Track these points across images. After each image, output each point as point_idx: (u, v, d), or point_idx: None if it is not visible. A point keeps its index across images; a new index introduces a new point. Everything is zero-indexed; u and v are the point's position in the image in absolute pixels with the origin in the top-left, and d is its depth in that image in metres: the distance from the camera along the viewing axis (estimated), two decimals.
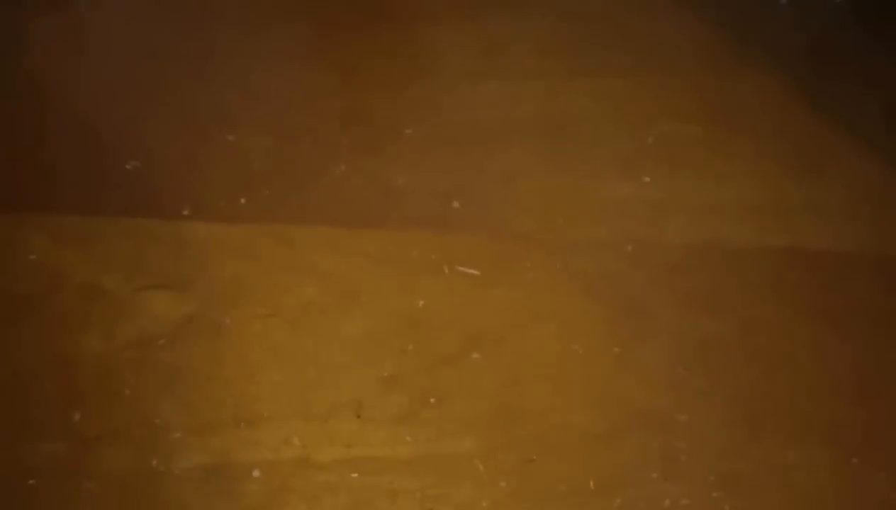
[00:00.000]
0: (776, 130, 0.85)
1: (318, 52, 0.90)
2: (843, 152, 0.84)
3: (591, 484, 0.66)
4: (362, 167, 0.81)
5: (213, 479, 0.66)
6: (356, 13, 0.93)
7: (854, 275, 0.76)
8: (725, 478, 0.66)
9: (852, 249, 0.78)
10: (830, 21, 0.93)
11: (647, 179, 0.81)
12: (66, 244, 0.75)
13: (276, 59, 0.88)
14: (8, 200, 0.78)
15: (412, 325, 0.73)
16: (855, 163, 0.83)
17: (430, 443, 0.68)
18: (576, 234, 0.78)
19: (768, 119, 0.86)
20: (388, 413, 0.69)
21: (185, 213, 0.77)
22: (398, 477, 0.66)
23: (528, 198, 0.80)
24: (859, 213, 0.80)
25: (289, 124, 0.83)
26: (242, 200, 0.78)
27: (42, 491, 0.65)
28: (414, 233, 0.77)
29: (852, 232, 0.79)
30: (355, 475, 0.66)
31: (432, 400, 0.70)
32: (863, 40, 0.92)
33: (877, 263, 0.77)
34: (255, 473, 0.66)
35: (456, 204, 0.79)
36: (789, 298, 0.75)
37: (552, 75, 0.89)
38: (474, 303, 0.74)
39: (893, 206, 0.80)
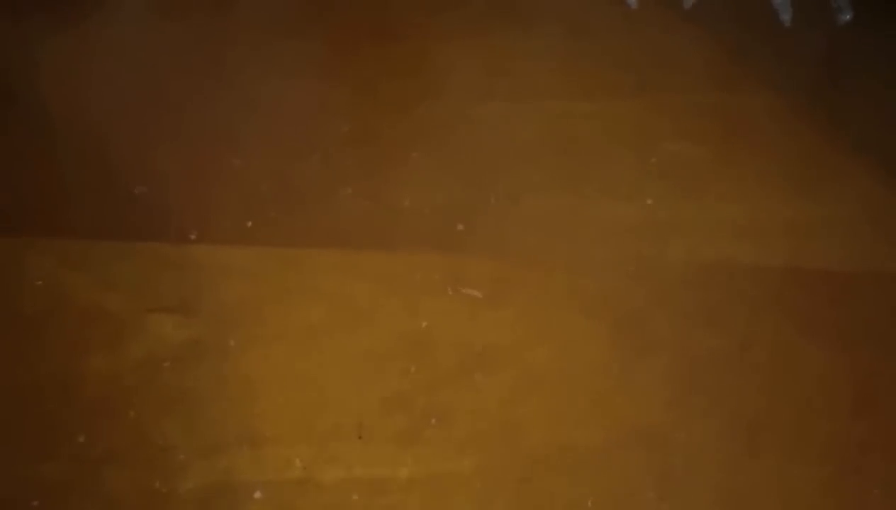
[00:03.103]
0: (782, 149, 0.86)
1: (326, 73, 0.91)
2: (849, 170, 0.84)
3: (589, 502, 0.66)
4: (369, 189, 0.82)
5: (215, 500, 0.66)
6: (366, 33, 0.94)
7: (857, 293, 0.76)
8: (723, 495, 0.67)
9: (855, 268, 0.78)
10: (836, 40, 0.94)
11: (649, 201, 0.81)
12: (72, 267, 0.76)
13: (285, 80, 0.89)
14: (13, 224, 0.79)
15: (415, 346, 0.73)
16: (862, 180, 0.83)
17: (431, 463, 0.68)
18: (577, 254, 0.78)
19: (774, 138, 0.87)
20: (390, 433, 0.70)
21: (192, 237, 0.78)
22: (399, 497, 0.67)
23: (531, 219, 0.80)
24: (864, 230, 0.80)
25: (296, 146, 0.84)
26: (249, 223, 0.79)
27: None
28: (419, 255, 0.78)
29: (857, 250, 0.79)
30: (356, 496, 0.67)
31: (433, 420, 0.70)
32: (869, 57, 0.92)
33: (880, 281, 0.77)
34: (258, 495, 0.67)
35: (460, 226, 0.79)
36: (790, 316, 0.75)
37: (559, 95, 0.89)
38: (477, 324, 0.75)
39: None
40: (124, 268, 0.77)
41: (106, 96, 0.88)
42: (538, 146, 0.85)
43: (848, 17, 0.95)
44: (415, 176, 0.83)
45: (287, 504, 0.66)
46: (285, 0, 0.95)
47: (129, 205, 0.80)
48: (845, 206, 0.82)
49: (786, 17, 0.96)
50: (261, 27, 0.93)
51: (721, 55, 0.93)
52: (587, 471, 0.68)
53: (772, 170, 0.84)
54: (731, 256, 0.79)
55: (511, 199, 0.81)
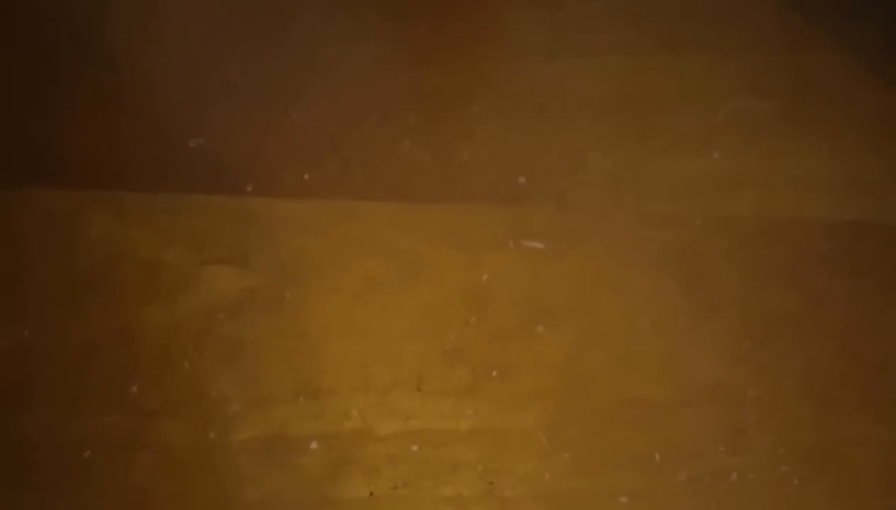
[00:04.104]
0: (853, 105, 0.83)
1: (388, 30, 0.89)
2: None
3: (657, 457, 0.64)
4: (428, 143, 0.80)
5: (270, 451, 0.65)
6: None
7: None
8: (794, 451, 0.64)
9: None
10: None
11: (716, 155, 0.79)
12: (128, 220, 0.75)
13: (347, 37, 0.87)
14: (70, 178, 0.77)
15: (475, 299, 0.72)
16: None
17: (493, 416, 0.66)
18: (643, 209, 0.76)
19: (845, 94, 0.84)
20: (450, 386, 0.68)
21: (249, 189, 0.77)
22: (459, 449, 0.65)
23: (595, 173, 0.78)
24: None
25: (355, 101, 0.82)
26: (306, 176, 0.78)
27: (98, 462, 0.65)
28: (479, 207, 0.76)
29: None
30: (415, 447, 0.65)
31: (495, 373, 0.68)
32: None
33: None
34: (314, 445, 0.65)
35: (522, 179, 0.77)
36: (864, 272, 0.73)
37: (626, 51, 0.87)
38: (539, 277, 0.73)
39: None
40: (180, 221, 0.76)
41: (165, 50, 0.86)
42: (602, 101, 0.83)
43: None
44: (475, 129, 0.81)
45: (344, 455, 0.65)
46: None
47: (185, 157, 0.79)
48: None
49: None
50: None
51: (792, 11, 0.90)
52: (655, 426, 0.66)
53: (843, 126, 0.82)
54: (803, 212, 0.76)
55: (575, 152, 0.79)
